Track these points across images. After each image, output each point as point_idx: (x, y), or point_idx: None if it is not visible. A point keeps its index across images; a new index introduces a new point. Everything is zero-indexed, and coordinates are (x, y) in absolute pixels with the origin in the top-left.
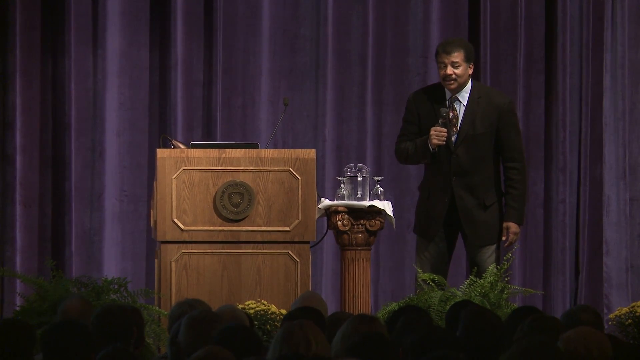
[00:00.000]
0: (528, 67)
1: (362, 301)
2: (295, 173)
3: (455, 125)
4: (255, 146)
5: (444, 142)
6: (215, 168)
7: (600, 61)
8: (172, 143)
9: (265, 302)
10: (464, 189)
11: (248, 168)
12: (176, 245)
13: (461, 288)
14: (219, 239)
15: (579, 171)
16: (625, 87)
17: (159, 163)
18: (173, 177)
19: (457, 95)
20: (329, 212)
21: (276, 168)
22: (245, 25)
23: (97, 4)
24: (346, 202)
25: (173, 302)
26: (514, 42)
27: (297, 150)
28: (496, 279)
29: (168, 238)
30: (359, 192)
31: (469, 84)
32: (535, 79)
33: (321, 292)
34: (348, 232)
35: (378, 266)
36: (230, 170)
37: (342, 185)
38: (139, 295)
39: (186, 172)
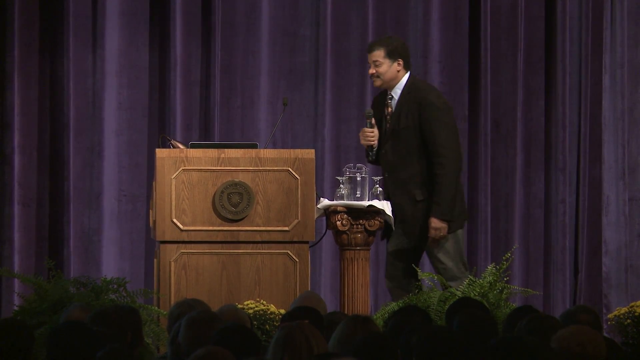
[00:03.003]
0: (528, 67)
1: (361, 301)
2: (294, 173)
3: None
4: (254, 146)
5: (372, 142)
6: (214, 168)
7: (599, 61)
8: (171, 143)
9: (264, 302)
10: (394, 185)
11: (247, 168)
12: (175, 245)
13: (460, 288)
14: (218, 239)
15: (578, 171)
16: (624, 87)
17: (158, 163)
18: (172, 177)
19: (391, 92)
20: (328, 212)
21: (275, 168)
22: (245, 25)
23: (96, 4)
24: (345, 202)
25: (172, 302)
26: (513, 42)
27: (296, 150)
28: (495, 278)
29: (167, 238)
30: (358, 192)
31: (404, 80)
32: (534, 79)
33: (320, 292)
34: (347, 232)
35: (377, 266)
36: (230, 170)
37: (341, 185)
38: (138, 295)
39: (185, 172)
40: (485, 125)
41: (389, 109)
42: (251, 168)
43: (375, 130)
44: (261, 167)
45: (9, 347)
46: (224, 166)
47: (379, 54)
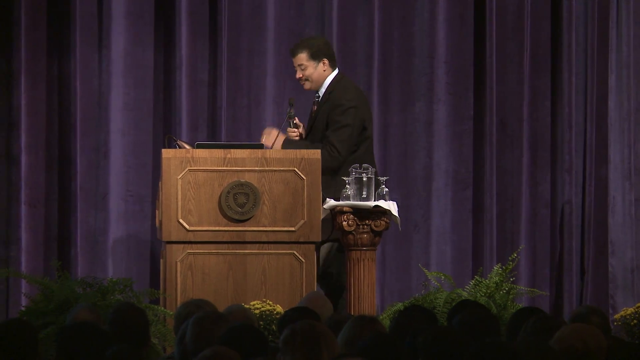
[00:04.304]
0: (534, 68)
1: (368, 302)
2: (300, 173)
3: (300, 125)
4: (260, 146)
5: None
6: (220, 168)
7: (605, 61)
8: (177, 143)
9: (270, 302)
10: None
11: (253, 168)
12: (181, 246)
13: (467, 288)
14: (225, 239)
15: (584, 171)
16: (630, 87)
17: (164, 163)
18: (178, 177)
19: (318, 91)
20: (334, 212)
21: (281, 168)
22: (250, 25)
23: (102, 4)
24: (351, 202)
25: (178, 303)
26: (519, 42)
27: (302, 150)
28: (502, 279)
29: (173, 238)
30: (364, 193)
31: (329, 79)
32: (540, 79)
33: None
34: (353, 232)
35: (384, 267)
36: (236, 171)
37: (348, 186)
38: (144, 296)
39: (191, 173)
40: (491, 126)
41: (314, 107)
42: (257, 168)
43: (301, 129)
44: (267, 167)
45: (13, 347)
46: (230, 166)
47: (302, 57)
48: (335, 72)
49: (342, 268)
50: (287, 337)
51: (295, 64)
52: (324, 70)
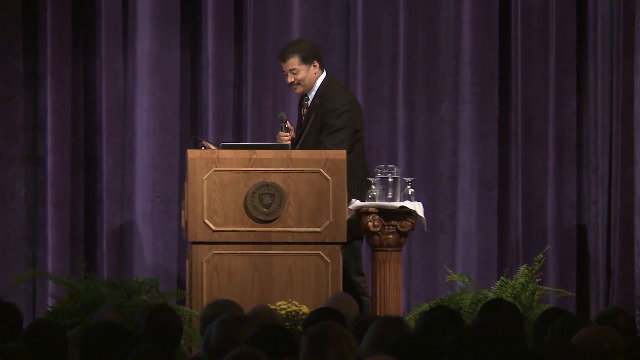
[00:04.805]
0: (559, 68)
1: (393, 302)
2: (325, 174)
3: (291, 129)
4: (285, 147)
5: (287, 144)
6: (246, 169)
7: (631, 61)
8: (202, 144)
9: (296, 302)
10: None
11: (279, 169)
12: (207, 246)
13: (492, 289)
14: (250, 240)
15: (610, 172)
16: None
17: (189, 164)
18: (204, 177)
19: (308, 94)
20: (360, 213)
21: (307, 169)
22: (276, 26)
23: (128, 5)
24: (377, 203)
25: (204, 303)
26: (545, 42)
27: (327, 151)
28: (527, 280)
29: (199, 239)
30: (389, 193)
31: (319, 82)
32: (566, 80)
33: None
34: (379, 233)
35: (410, 267)
36: (261, 171)
37: (373, 186)
38: (170, 296)
39: (217, 173)
40: (517, 126)
41: (304, 110)
42: (283, 169)
43: (292, 133)
44: (292, 168)
45: (43, 347)
46: (256, 167)
47: (294, 62)
48: (324, 74)
49: (347, 258)
50: (306, 339)
51: (286, 69)
52: (315, 73)
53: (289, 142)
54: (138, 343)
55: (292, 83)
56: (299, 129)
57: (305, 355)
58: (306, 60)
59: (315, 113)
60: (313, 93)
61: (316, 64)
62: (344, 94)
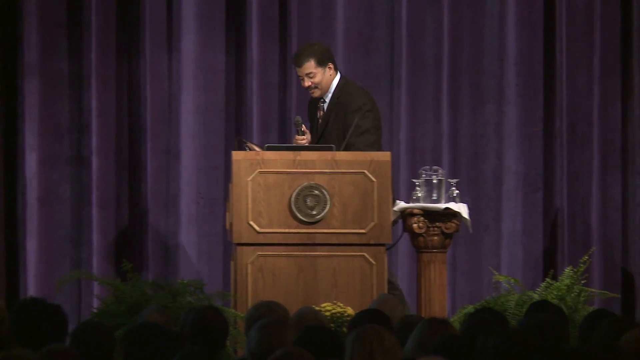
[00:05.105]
0: (604, 70)
1: (438, 304)
2: (370, 175)
3: (306, 132)
4: (330, 148)
5: None
6: (290, 170)
7: None
8: (247, 145)
9: (341, 304)
10: None
11: (323, 170)
12: (252, 248)
13: (537, 291)
14: (295, 241)
15: None
16: None
17: (234, 165)
18: (248, 179)
19: (324, 97)
20: (404, 214)
21: (351, 170)
22: (320, 27)
23: (172, 7)
24: (422, 204)
25: (249, 305)
26: (589, 43)
27: (372, 152)
28: (573, 281)
29: (244, 240)
30: (434, 195)
31: (334, 83)
32: (611, 81)
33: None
34: (423, 234)
35: (454, 269)
36: (306, 173)
37: (418, 188)
38: (215, 298)
39: (261, 175)
40: (561, 128)
41: (321, 112)
42: (327, 170)
43: (308, 136)
44: (337, 169)
45: (90, 349)
46: (300, 168)
47: (310, 66)
48: (339, 75)
49: None
50: (351, 340)
51: (302, 73)
52: (330, 75)
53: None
54: (181, 344)
55: (309, 87)
56: (315, 132)
57: (351, 357)
58: (321, 63)
59: (335, 113)
60: (329, 95)
61: (331, 65)
62: (363, 93)
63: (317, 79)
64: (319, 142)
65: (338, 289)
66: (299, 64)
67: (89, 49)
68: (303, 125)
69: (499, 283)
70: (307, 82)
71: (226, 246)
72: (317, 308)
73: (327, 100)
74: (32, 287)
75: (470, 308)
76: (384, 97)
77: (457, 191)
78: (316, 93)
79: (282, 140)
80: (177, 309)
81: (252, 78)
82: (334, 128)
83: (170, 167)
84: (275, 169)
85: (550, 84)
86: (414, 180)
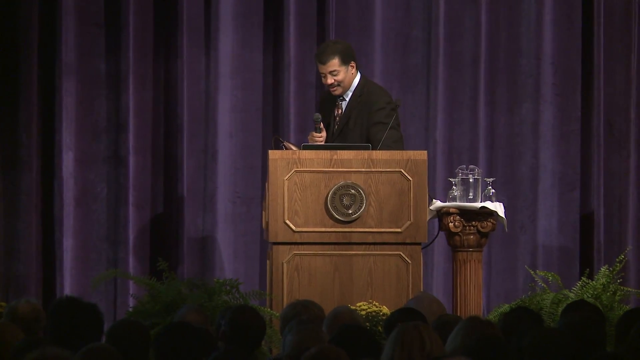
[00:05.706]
0: None
1: (474, 303)
2: (406, 174)
3: (323, 129)
4: (366, 147)
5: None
6: (326, 169)
7: None
8: (284, 144)
9: (377, 303)
10: None
11: (359, 169)
12: (288, 247)
13: (573, 290)
14: (331, 240)
15: None
16: None
17: (270, 164)
18: (285, 178)
19: (344, 95)
20: (441, 213)
21: (387, 169)
22: (358, 26)
23: (210, 6)
24: (458, 203)
25: (285, 304)
26: (627, 42)
27: (408, 151)
28: (609, 280)
29: (280, 239)
30: (470, 194)
31: (356, 82)
32: None
33: (432, 294)
34: (459, 233)
35: (490, 268)
36: (342, 172)
37: (454, 187)
38: (251, 297)
39: (298, 174)
40: (599, 127)
41: (339, 110)
42: (363, 169)
43: (324, 134)
44: (373, 168)
45: (127, 348)
46: (337, 167)
47: (335, 64)
48: (359, 74)
49: None
50: (392, 338)
51: (326, 71)
52: (352, 74)
53: (322, 142)
54: (214, 344)
55: (331, 84)
56: (332, 129)
57: (391, 355)
58: (345, 61)
59: (358, 111)
60: (350, 93)
61: (353, 64)
62: (386, 92)
63: (340, 77)
64: (337, 139)
65: (374, 288)
66: (323, 61)
67: (127, 48)
68: (321, 123)
69: (535, 282)
70: (330, 80)
71: (262, 245)
72: (352, 307)
73: (347, 98)
74: (68, 286)
75: (505, 307)
76: (421, 96)
77: (493, 190)
78: (338, 91)
79: None
80: (213, 308)
81: (289, 77)
82: (356, 125)
83: (207, 166)
84: (311, 168)
85: (588, 83)
86: (451, 179)
